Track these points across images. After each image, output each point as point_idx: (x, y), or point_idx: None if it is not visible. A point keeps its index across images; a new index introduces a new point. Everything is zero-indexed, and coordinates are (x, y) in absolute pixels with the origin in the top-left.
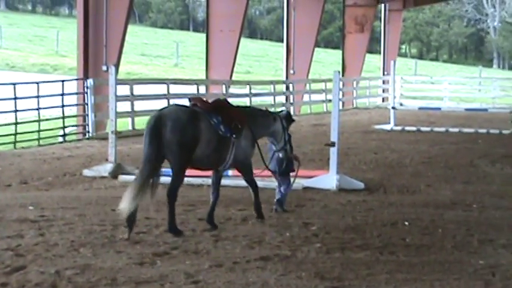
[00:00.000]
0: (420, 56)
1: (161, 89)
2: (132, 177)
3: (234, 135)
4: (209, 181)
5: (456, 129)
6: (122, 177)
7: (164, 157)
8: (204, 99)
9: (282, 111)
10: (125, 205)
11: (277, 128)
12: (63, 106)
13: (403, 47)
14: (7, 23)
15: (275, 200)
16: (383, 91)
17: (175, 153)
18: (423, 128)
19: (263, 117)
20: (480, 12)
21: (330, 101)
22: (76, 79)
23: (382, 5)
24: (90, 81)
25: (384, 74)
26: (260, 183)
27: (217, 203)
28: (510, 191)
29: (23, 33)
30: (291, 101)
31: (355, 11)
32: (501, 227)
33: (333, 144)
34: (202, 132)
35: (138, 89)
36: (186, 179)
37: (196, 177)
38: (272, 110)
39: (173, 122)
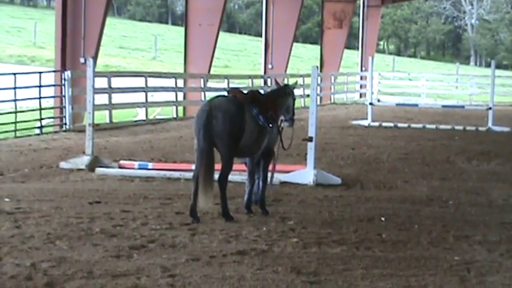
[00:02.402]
0: (398, 53)
1: (139, 82)
2: (109, 170)
3: (270, 125)
4: (186, 175)
5: (433, 126)
6: (99, 170)
7: (214, 147)
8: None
9: (295, 82)
10: (203, 201)
11: (290, 102)
12: (40, 98)
13: (381, 43)
14: None
15: (249, 201)
16: (361, 87)
17: (225, 143)
18: (400, 124)
19: (283, 97)
20: (458, 10)
21: (307, 96)
22: (54, 71)
23: (361, 1)
24: (67, 73)
25: (361, 70)
26: (238, 177)
27: (253, 192)
28: (486, 187)
29: (0, 24)
30: None
31: (333, 7)
32: (477, 223)
33: (310, 139)
34: (247, 123)
35: (116, 82)
36: (163, 172)
37: (174, 171)
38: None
39: (224, 114)
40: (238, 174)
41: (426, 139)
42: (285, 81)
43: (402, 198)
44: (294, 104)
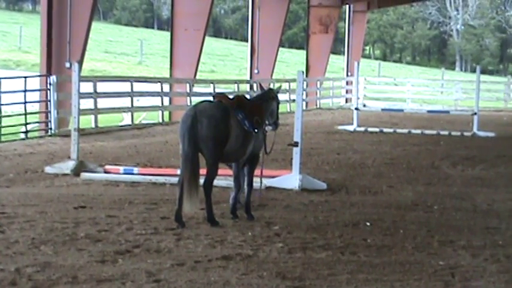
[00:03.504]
0: (384, 58)
1: (125, 86)
2: (95, 175)
3: (255, 130)
4: (171, 180)
5: (418, 131)
6: (84, 175)
7: (199, 152)
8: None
9: (279, 87)
10: (187, 206)
11: (275, 106)
12: (25, 103)
13: (367, 48)
14: None
15: (234, 206)
16: (346, 92)
17: (210, 148)
18: (386, 129)
19: (268, 101)
20: (443, 15)
21: (293, 101)
22: (39, 75)
23: (347, 6)
24: (53, 78)
25: (347, 75)
26: (224, 182)
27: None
28: (471, 192)
29: None
30: None
31: (319, 12)
32: (461, 228)
33: (296, 144)
34: (233, 128)
35: (102, 87)
36: (149, 177)
37: (160, 176)
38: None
39: (208, 119)
40: (224, 179)
41: (411, 144)
42: (270, 86)
43: (387, 203)
44: (278, 108)
